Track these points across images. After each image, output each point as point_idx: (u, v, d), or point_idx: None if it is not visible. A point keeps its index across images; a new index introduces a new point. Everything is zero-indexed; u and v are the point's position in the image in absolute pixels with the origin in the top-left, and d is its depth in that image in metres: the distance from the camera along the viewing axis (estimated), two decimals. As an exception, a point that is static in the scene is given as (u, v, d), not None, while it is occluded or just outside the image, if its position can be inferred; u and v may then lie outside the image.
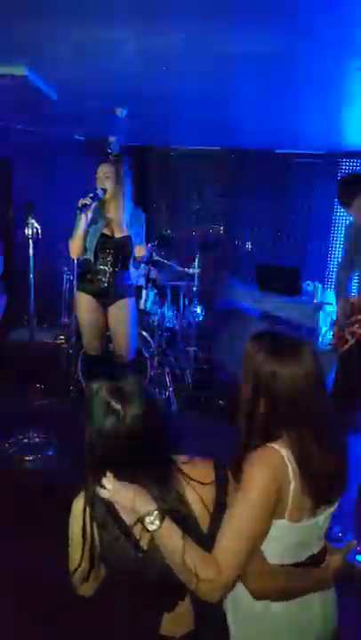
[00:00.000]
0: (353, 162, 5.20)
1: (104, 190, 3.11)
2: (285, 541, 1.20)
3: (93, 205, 3.04)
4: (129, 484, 1.15)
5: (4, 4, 2.14)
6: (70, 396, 4.20)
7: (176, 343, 4.73)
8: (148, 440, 1.14)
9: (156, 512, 1.12)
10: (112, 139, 4.88)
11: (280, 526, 1.17)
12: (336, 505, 1.27)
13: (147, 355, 4.09)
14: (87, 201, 2.99)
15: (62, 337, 4.52)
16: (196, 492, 1.19)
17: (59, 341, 4.53)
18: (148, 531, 1.12)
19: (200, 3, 2.02)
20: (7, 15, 2.26)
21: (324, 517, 1.24)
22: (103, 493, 1.16)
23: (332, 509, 1.25)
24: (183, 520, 1.15)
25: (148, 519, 1.11)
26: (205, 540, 1.16)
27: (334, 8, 2.00)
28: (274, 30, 2.26)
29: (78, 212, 3.00)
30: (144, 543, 1.19)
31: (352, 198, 2.73)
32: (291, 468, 1.15)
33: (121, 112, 3.71)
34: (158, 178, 5.68)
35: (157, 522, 1.11)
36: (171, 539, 1.11)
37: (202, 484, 1.20)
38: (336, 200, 5.24)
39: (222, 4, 2.03)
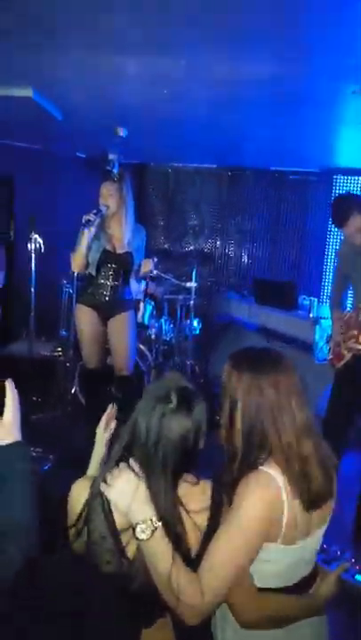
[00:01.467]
0: (347, 179, 5.30)
1: (107, 207, 3.17)
2: (278, 565, 1.17)
3: (97, 221, 3.10)
4: (134, 484, 1.12)
5: (11, 29, 2.22)
6: (68, 410, 4.21)
7: (173, 356, 4.76)
8: (189, 450, 1.14)
9: (150, 521, 1.08)
10: (113, 157, 4.97)
11: (274, 550, 1.14)
12: (327, 524, 1.25)
13: (144, 368, 4.12)
14: (91, 217, 3.05)
15: (60, 350, 4.53)
16: (190, 514, 1.17)
17: (57, 354, 4.55)
18: (137, 539, 1.09)
19: (201, 31, 2.11)
20: (14, 39, 2.34)
21: (316, 538, 1.23)
22: (104, 487, 1.13)
23: (324, 528, 1.24)
24: (176, 538, 1.12)
25: (139, 527, 1.08)
26: (192, 564, 1.12)
27: (331, 35, 2.09)
28: (273, 56, 2.35)
29: (82, 227, 3.06)
30: (130, 551, 1.15)
31: (345, 218, 2.78)
32: (284, 492, 1.12)
33: (123, 132, 3.79)
34: (156, 194, 5.78)
35: (148, 532, 1.08)
36: (159, 553, 1.07)
37: (195, 512, 1.17)
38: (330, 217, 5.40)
39: (223, 32, 2.11)
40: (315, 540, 1.22)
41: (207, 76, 2.66)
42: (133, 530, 1.09)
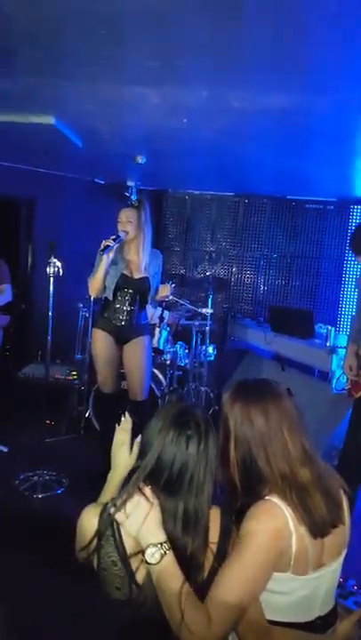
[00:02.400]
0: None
1: (126, 233, 3.22)
2: (291, 596, 1.15)
3: (115, 247, 3.15)
4: (146, 507, 1.10)
5: (38, 60, 2.32)
6: (81, 434, 4.19)
7: (187, 382, 4.74)
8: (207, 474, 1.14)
9: (159, 545, 1.07)
10: (131, 183, 5.09)
11: (285, 580, 1.12)
12: (342, 556, 1.22)
13: (158, 393, 4.10)
14: (110, 242, 3.09)
15: (75, 373, 4.55)
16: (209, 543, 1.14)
17: (71, 377, 4.56)
18: (146, 562, 1.07)
19: (217, 62, 2.17)
20: (40, 69, 2.44)
21: (332, 570, 1.19)
22: (114, 511, 1.12)
23: (340, 560, 1.21)
24: (197, 567, 1.11)
25: (149, 551, 1.06)
26: (200, 590, 1.10)
27: (347, 66, 2.13)
28: (290, 87, 2.41)
29: (101, 252, 3.10)
30: (139, 577, 1.13)
31: None
32: (291, 521, 1.11)
33: (142, 159, 3.88)
34: (174, 220, 5.86)
35: (158, 556, 1.06)
36: (167, 578, 1.05)
37: (212, 542, 1.15)
38: (348, 246, 5.40)
39: (237, 63, 2.17)
40: (330, 572, 1.19)
41: (225, 107, 2.72)
42: (143, 553, 1.07)
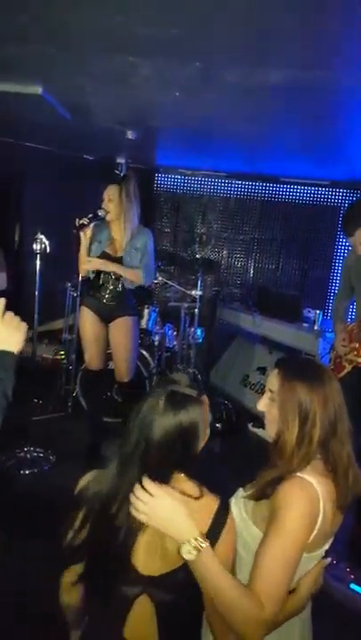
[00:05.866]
0: (355, 192, 5.31)
1: (105, 212, 3.18)
2: (299, 574, 1.16)
3: (91, 225, 3.12)
4: (179, 500, 1.08)
5: (25, 28, 2.23)
6: (68, 413, 4.19)
7: (175, 364, 4.74)
8: (174, 452, 1.12)
9: (195, 540, 1.03)
10: (121, 160, 4.99)
11: (303, 561, 1.14)
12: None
13: (146, 374, 4.09)
14: (84, 221, 3.07)
15: (62, 353, 4.52)
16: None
17: (59, 357, 4.53)
18: (183, 559, 1.04)
19: (214, 33, 2.10)
20: (28, 38, 2.35)
21: (328, 545, 1.22)
22: (137, 511, 1.08)
23: (325, 547, 1.23)
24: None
25: (185, 547, 1.04)
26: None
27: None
28: (288, 62, 2.35)
29: (75, 231, 3.07)
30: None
31: (355, 228, 2.76)
32: (321, 501, 1.12)
33: (132, 135, 3.80)
34: (164, 200, 5.78)
35: (195, 552, 1.03)
36: (210, 571, 1.04)
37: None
38: (338, 229, 5.40)
39: (236, 36, 2.11)
40: (318, 554, 1.21)
41: (220, 80, 2.65)
42: (179, 550, 1.05)
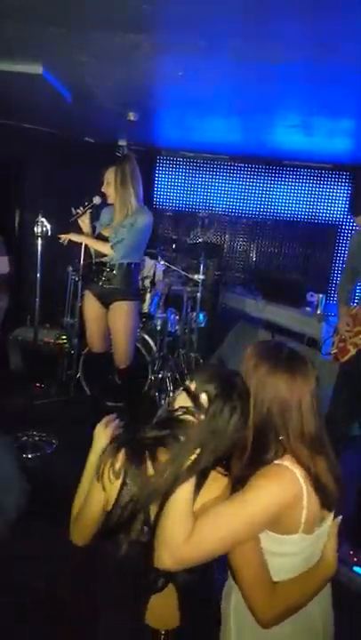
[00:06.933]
0: (359, 173, 5.24)
1: (100, 197, 3.19)
2: (300, 555, 1.17)
3: (87, 212, 3.18)
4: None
5: (21, 4, 2.17)
6: (71, 397, 4.20)
7: (178, 348, 4.74)
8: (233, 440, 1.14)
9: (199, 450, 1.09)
10: (123, 143, 4.92)
11: (296, 541, 1.14)
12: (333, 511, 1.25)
13: (148, 359, 4.09)
14: (79, 210, 3.15)
15: (65, 337, 4.51)
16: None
17: (61, 341, 4.53)
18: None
19: (218, 7, 2.04)
20: (28, 15, 2.29)
21: (327, 524, 1.23)
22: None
23: (332, 515, 1.24)
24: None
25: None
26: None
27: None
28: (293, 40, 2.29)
29: (71, 221, 3.14)
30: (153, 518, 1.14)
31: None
32: (304, 485, 1.12)
33: (134, 116, 3.74)
34: (166, 183, 5.71)
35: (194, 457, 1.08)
36: (185, 487, 1.08)
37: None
38: (341, 211, 5.34)
39: (237, 8, 2.05)
40: (326, 526, 1.22)
41: (225, 59, 2.59)
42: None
